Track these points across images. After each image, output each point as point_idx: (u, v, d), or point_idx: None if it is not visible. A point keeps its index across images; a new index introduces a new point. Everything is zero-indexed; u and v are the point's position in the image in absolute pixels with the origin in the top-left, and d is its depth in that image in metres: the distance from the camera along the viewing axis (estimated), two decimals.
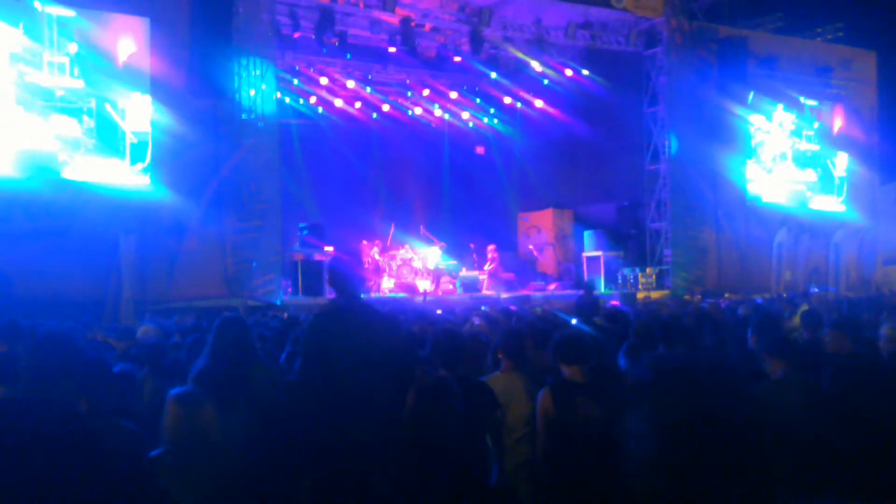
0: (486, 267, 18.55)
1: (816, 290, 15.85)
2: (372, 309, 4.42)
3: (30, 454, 3.15)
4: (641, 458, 1.41)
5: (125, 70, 13.75)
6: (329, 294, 4.61)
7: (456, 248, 19.54)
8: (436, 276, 18.24)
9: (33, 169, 12.98)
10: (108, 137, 13.58)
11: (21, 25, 12.95)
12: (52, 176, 13.04)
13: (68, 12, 13.27)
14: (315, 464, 3.89)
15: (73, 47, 13.32)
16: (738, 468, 1.29)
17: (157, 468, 3.58)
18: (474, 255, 19.34)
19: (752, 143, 19.78)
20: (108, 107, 13.59)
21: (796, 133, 20.56)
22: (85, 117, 13.43)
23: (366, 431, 3.94)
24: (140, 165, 13.76)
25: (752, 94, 19.17)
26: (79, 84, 13.33)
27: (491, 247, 18.75)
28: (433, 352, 4.65)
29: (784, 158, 20.37)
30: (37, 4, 13.06)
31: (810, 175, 20.76)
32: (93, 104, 13.46)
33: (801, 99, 20.39)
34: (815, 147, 20.86)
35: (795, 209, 20.17)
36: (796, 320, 6.37)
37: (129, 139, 13.74)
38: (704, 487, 1.29)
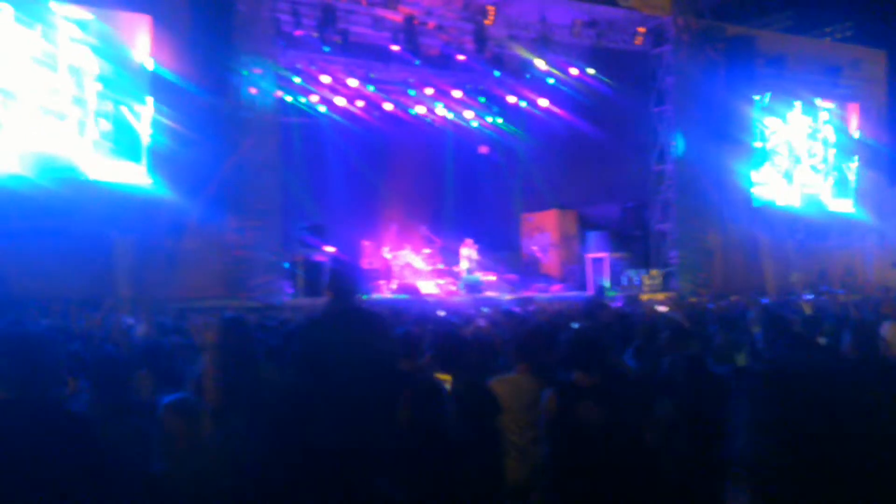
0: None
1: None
2: (366, 313, 4.31)
3: (24, 456, 2.99)
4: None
5: (141, 72, 13.66)
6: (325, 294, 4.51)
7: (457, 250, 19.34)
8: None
9: (50, 172, 12.87)
10: (124, 141, 13.48)
11: (38, 28, 12.84)
12: (68, 175, 12.96)
13: (86, 15, 13.21)
14: (312, 470, 3.78)
15: (89, 50, 13.23)
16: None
17: (157, 483, 3.42)
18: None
19: (768, 146, 19.61)
20: (124, 110, 13.49)
21: (812, 136, 20.39)
22: (102, 120, 13.35)
23: (359, 436, 3.85)
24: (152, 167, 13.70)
25: (769, 96, 18.99)
26: (96, 87, 13.24)
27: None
28: (433, 354, 4.58)
29: (798, 161, 20.20)
30: (53, 6, 12.95)
31: (823, 178, 20.59)
32: (109, 107, 13.36)
33: (818, 101, 20.20)
34: (830, 150, 20.68)
35: (804, 211, 19.97)
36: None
37: (146, 142, 13.66)
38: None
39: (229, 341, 4.09)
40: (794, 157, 20.17)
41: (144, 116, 13.60)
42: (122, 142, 13.46)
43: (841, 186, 20.87)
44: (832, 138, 20.73)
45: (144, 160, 13.62)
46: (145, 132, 13.61)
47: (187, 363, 5.11)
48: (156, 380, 4.55)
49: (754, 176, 19.48)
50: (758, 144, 19.54)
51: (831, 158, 20.77)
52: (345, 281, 4.32)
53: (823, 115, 20.55)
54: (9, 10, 12.67)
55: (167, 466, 3.45)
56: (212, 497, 3.48)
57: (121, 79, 13.46)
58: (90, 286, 12.50)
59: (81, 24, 13.18)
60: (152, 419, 3.81)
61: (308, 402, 3.96)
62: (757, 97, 19.15)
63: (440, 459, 3.31)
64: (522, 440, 4.48)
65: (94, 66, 13.28)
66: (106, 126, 13.36)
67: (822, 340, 5.59)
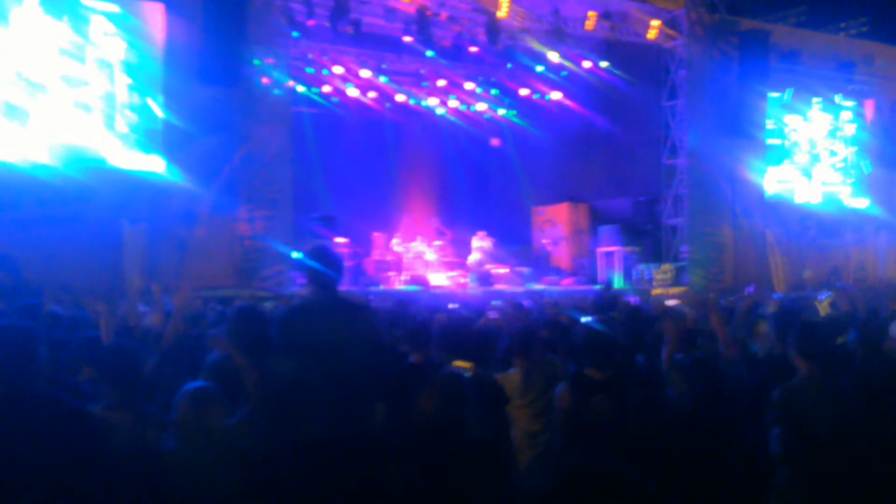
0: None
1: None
2: (348, 303, 4.31)
3: (35, 449, 3.01)
4: None
5: (161, 62, 13.70)
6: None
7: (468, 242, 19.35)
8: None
9: (78, 163, 12.92)
10: (151, 132, 13.53)
11: (66, 20, 12.88)
12: (96, 167, 13.04)
13: (113, 7, 13.25)
14: (306, 459, 3.79)
15: (117, 42, 13.28)
16: None
17: (166, 464, 3.47)
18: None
19: (788, 143, 19.51)
20: (150, 101, 13.54)
21: (832, 134, 20.29)
22: (129, 112, 13.41)
23: (346, 426, 3.88)
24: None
25: (790, 93, 18.89)
26: (124, 78, 13.31)
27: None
28: (439, 344, 4.61)
29: (818, 159, 20.10)
30: None
31: (843, 176, 20.51)
32: (136, 99, 13.43)
33: (837, 98, 20.07)
34: (850, 148, 20.59)
35: (818, 207, 19.89)
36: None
37: (162, 131, 13.69)
38: None
39: (244, 330, 4.11)
40: (814, 154, 20.06)
41: (165, 106, 13.69)
42: (149, 133, 13.52)
43: (860, 184, 20.76)
44: (852, 135, 20.62)
45: (163, 149, 13.69)
46: (162, 121, 13.67)
47: (202, 351, 5.16)
48: (169, 368, 4.59)
49: (774, 173, 19.37)
50: (776, 141, 19.44)
51: (851, 157, 20.66)
52: (325, 271, 4.27)
53: (845, 115, 20.42)
54: (35, 0, 12.69)
55: (177, 445, 3.49)
56: (222, 482, 3.51)
57: (147, 70, 13.52)
58: (103, 274, 12.58)
59: (109, 16, 13.23)
60: (163, 406, 3.85)
61: (290, 391, 3.97)
62: (776, 94, 19.03)
63: (456, 452, 3.32)
64: (535, 426, 4.60)
65: (121, 57, 13.34)
66: (132, 117, 13.42)
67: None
